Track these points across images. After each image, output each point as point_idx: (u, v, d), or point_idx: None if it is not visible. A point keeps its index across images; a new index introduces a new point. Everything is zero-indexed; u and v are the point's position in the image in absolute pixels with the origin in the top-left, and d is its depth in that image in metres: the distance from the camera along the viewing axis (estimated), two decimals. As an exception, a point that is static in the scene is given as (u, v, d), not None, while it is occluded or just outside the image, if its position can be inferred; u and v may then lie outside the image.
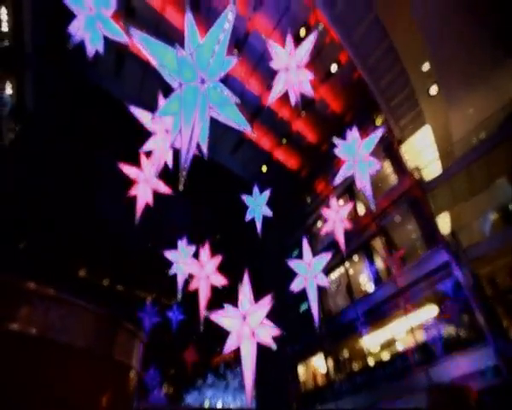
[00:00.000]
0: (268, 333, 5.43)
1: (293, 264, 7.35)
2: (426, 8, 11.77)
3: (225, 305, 5.22)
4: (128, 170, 5.14)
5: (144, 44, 2.96)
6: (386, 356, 16.12)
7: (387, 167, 18.06)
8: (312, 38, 4.93)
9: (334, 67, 18.24)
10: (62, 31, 4.50)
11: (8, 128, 10.48)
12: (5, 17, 9.68)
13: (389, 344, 16.34)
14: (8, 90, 10.52)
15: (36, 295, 4.01)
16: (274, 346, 5.42)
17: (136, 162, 5.07)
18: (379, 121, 18.66)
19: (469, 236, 14.37)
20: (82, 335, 4.46)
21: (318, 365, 20.66)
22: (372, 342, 16.97)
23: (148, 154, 4.75)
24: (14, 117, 11.06)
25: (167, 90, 3.25)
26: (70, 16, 3.63)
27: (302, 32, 15.47)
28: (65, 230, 17.41)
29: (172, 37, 3.23)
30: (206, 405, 22.15)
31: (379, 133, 6.47)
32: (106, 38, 3.65)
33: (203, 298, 6.60)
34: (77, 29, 3.54)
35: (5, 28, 9.77)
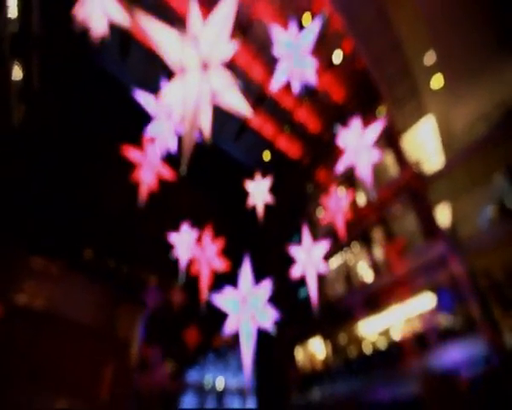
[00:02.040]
0: (267, 316, 5.53)
1: (293, 250, 7.41)
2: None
3: (226, 287, 5.31)
4: (132, 154, 5.16)
5: (148, 28, 2.93)
6: (382, 343, 16.35)
7: (389, 158, 17.93)
8: (316, 24, 4.84)
9: (337, 56, 17.91)
10: (69, 15, 4.46)
11: (18, 110, 10.48)
12: (14, 2, 9.57)
13: (385, 332, 16.55)
14: (17, 71, 10.47)
15: (42, 270, 4.12)
16: (273, 329, 5.52)
17: (140, 146, 5.07)
18: (381, 111, 18.43)
19: (468, 228, 14.37)
20: (85, 311, 4.60)
21: (316, 349, 21.01)
22: (369, 329, 17.20)
23: (152, 138, 4.75)
24: (22, 98, 11.05)
25: (171, 76, 3.23)
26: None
27: (306, 19, 15.14)
28: (71, 211, 17.60)
29: (176, 21, 3.20)
30: (207, 383, 22.73)
31: (381, 123, 6.42)
32: (111, 23, 3.61)
33: (204, 281, 6.71)
34: (82, 12, 3.51)
35: (13, 14, 9.67)
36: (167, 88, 3.20)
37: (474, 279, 12.65)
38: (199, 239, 6.95)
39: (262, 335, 5.54)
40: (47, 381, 4.04)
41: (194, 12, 2.97)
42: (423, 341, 13.28)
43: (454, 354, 11.96)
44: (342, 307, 18.21)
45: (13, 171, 10.89)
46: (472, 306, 11.97)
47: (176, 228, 7.00)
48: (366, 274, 18.38)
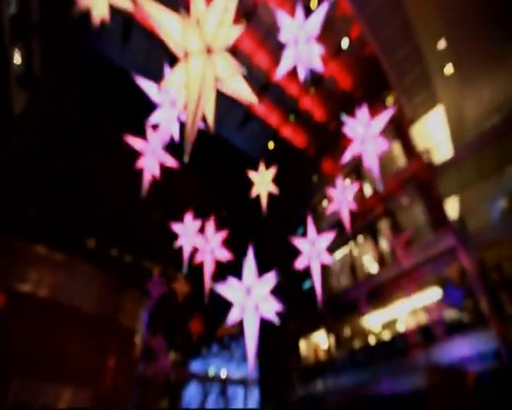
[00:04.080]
0: (271, 308, 5.57)
1: (298, 241, 7.41)
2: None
3: (229, 278, 5.35)
4: (134, 142, 5.16)
5: (150, 12, 2.90)
6: (386, 335, 16.45)
7: (396, 148, 17.73)
8: (324, 8, 4.74)
9: (344, 42, 17.61)
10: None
11: (18, 96, 10.48)
12: None
13: (390, 324, 16.63)
14: (17, 57, 10.44)
15: (46, 259, 4.18)
16: (277, 320, 5.56)
17: (142, 134, 5.08)
18: (390, 100, 18.15)
19: (477, 221, 14.24)
20: (89, 298, 4.67)
21: (320, 341, 21.23)
22: (374, 321, 17.30)
23: (155, 126, 4.75)
24: (23, 85, 11.04)
25: (174, 61, 3.21)
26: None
27: (313, 3, 14.87)
28: (74, 200, 17.76)
29: (178, 5, 3.15)
30: (211, 373, 23.16)
31: (389, 113, 6.33)
32: (112, 8, 3.57)
33: (208, 271, 6.76)
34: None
35: None
36: (170, 74, 3.17)
37: (483, 273, 12.58)
38: (202, 229, 6.99)
39: (266, 326, 5.60)
40: (51, 370, 4.14)
41: (197, -6, 2.92)
42: (429, 334, 13.32)
43: (461, 349, 11.98)
44: (347, 299, 18.29)
45: (15, 159, 10.97)
46: (481, 299, 11.93)
47: (179, 218, 7.05)
48: (371, 266, 18.39)
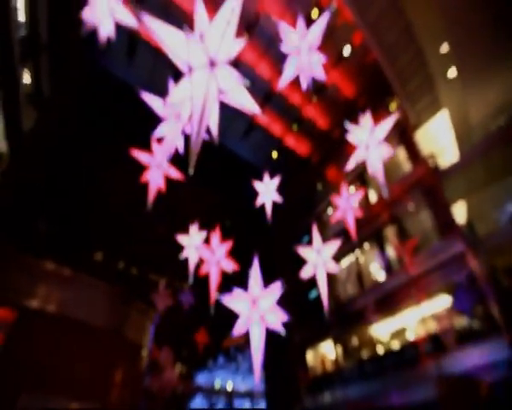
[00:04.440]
0: (277, 318, 5.52)
1: (303, 250, 7.38)
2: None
3: (235, 289, 5.33)
4: (140, 155, 5.23)
5: (154, 29, 2.97)
6: (396, 345, 16.17)
7: (401, 154, 17.69)
8: (325, 18, 4.81)
9: (346, 50, 17.78)
10: (76, 19, 4.55)
11: (28, 115, 10.78)
12: (22, 6, 9.82)
13: (399, 333, 16.36)
14: (26, 77, 10.78)
15: (54, 274, 4.21)
16: (283, 331, 5.50)
17: (148, 148, 5.15)
18: (393, 106, 18.20)
19: (486, 225, 14.06)
20: (96, 313, 4.67)
21: (327, 351, 20.93)
22: (382, 330, 17.03)
23: (160, 139, 4.81)
24: (33, 104, 11.36)
25: (178, 76, 3.27)
26: (83, 3, 3.66)
27: (314, 13, 15.08)
28: (81, 214, 18.09)
29: (182, 20, 3.23)
30: (217, 386, 22.90)
31: (393, 118, 6.34)
32: (117, 25, 3.68)
33: (213, 282, 6.75)
34: (89, 15, 3.58)
35: (22, 18, 9.94)
36: (175, 88, 3.23)
37: (494, 278, 12.36)
38: (208, 240, 7.00)
39: (272, 337, 5.55)
40: (59, 385, 4.16)
41: (200, 10, 3.00)
42: (439, 343, 13.07)
43: (473, 357, 11.71)
44: (354, 308, 18.07)
45: (23, 174, 11.18)
46: (492, 306, 11.70)
47: (184, 229, 7.08)
48: (379, 274, 18.20)
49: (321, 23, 4.88)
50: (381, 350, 16.62)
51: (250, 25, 16.28)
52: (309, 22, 5.03)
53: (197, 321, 16.16)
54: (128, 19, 3.56)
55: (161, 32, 2.94)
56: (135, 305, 5.03)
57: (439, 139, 17.37)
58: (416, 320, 15.18)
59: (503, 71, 13.44)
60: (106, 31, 3.67)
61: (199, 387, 22.10)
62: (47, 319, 3.74)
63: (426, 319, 14.48)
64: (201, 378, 22.46)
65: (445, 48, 13.93)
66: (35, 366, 3.68)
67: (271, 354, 15.97)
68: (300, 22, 4.95)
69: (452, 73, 14.56)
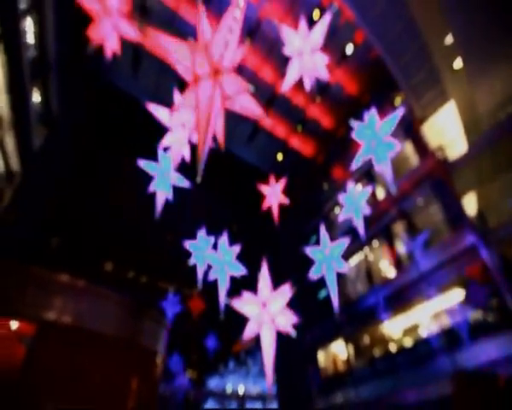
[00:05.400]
0: (287, 320, 5.57)
1: (310, 251, 7.41)
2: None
3: (244, 293, 5.37)
4: (147, 166, 5.32)
5: (159, 43, 3.04)
6: (408, 342, 16.08)
7: (408, 148, 17.60)
8: (326, 19, 4.86)
9: (349, 48, 17.76)
10: (82, 37, 4.64)
11: (38, 133, 11.09)
12: (31, 29, 10.14)
13: (412, 330, 16.26)
14: (36, 96, 11.13)
15: (68, 286, 4.32)
16: (293, 333, 5.55)
17: (155, 158, 5.23)
18: (398, 101, 18.10)
19: (498, 216, 13.89)
20: (111, 323, 4.78)
21: (338, 351, 20.89)
22: (394, 327, 16.95)
23: (166, 149, 4.89)
24: (42, 122, 11.71)
25: (182, 86, 3.33)
26: (89, 22, 3.75)
27: (316, 14, 15.09)
28: (91, 227, 18.60)
29: (186, 31, 3.30)
30: (228, 390, 23.01)
31: (399, 113, 6.34)
32: (123, 40, 3.77)
33: (222, 287, 6.81)
34: (95, 32, 3.67)
35: (31, 40, 10.25)
36: (180, 98, 3.31)
37: (508, 269, 12.23)
38: (215, 245, 7.06)
39: (282, 339, 5.59)
40: (76, 394, 4.26)
41: (203, 21, 3.06)
42: (454, 337, 12.97)
43: (489, 351, 11.60)
44: (364, 306, 18.01)
45: (37, 188, 11.47)
46: (507, 298, 11.59)
47: (192, 235, 7.15)
48: (389, 271, 18.12)
49: (323, 24, 4.93)
50: (393, 348, 16.55)
51: (252, 30, 16.39)
52: (310, 24, 5.08)
53: (207, 326, 16.29)
54: (132, 33, 3.64)
55: (166, 44, 3.01)
56: (147, 313, 5.12)
57: (447, 131, 17.22)
58: (428, 316, 15.08)
59: (509, 59, 13.29)
60: (111, 46, 3.76)
61: (210, 391, 22.23)
62: (64, 331, 3.84)
63: (439, 315, 14.38)
64: (213, 383, 22.59)
65: (449, 39, 13.83)
66: (55, 377, 3.78)
67: (282, 355, 16.04)
68: (302, 24, 5.00)
69: (458, 63, 14.44)
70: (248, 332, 5.40)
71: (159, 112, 4.07)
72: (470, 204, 15.51)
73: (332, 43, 15.57)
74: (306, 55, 5.01)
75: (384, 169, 6.65)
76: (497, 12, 11.84)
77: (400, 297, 16.08)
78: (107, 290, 4.69)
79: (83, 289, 4.25)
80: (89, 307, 4.16)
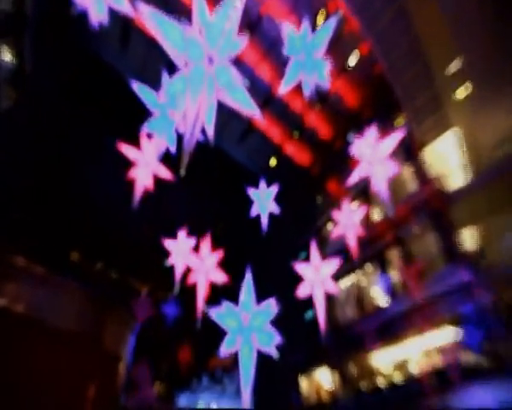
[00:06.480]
0: (269, 339, 5.43)
1: (300, 267, 7.36)
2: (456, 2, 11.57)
3: (224, 302, 5.23)
4: (128, 151, 5.20)
5: (151, 20, 3.02)
6: (398, 377, 15.94)
7: (407, 172, 17.78)
8: (332, 24, 4.92)
9: (352, 59, 18.04)
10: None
11: (6, 95, 10.68)
12: None
13: (402, 365, 16.13)
14: (6, 54, 10.62)
15: (25, 271, 4.13)
16: (275, 354, 5.42)
17: (136, 142, 5.11)
18: (399, 122, 18.33)
19: (496, 255, 14.00)
20: (70, 318, 4.57)
21: (323, 379, 20.59)
22: (383, 360, 16.80)
23: (150, 135, 4.81)
24: (13, 83, 11.20)
25: (172, 69, 3.30)
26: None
27: (320, 18, 15.30)
28: (58, 209, 17.35)
29: (180, 13, 3.28)
30: (200, 408, 22.31)
31: (400, 134, 6.42)
32: (111, 10, 3.73)
33: (201, 294, 6.67)
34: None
35: None
36: (169, 82, 3.27)
37: (504, 312, 12.25)
38: (197, 247, 6.94)
39: (263, 359, 5.44)
40: (24, 397, 4.00)
41: (199, 3, 3.05)
42: (445, 378, 12.88)
43: (480, 396, 11.54)
44: (353, 333, 17.86)
45: None
46: (501, 343, 11.59)
47: (172, 233, 7.00)
48: (380, 299, 18.07)
49: (327, 28, 4.99)
50: (382, 382, 16.37)
51: (252, 24, 16.48)
52: (314, 27, 5.14)
53: (181, 335, 15.75)
54: (123, 5, 3.61)
55: (158, 23, 2.98)
56: (114, 312, 4.89)
57: (447, 160, 17.49)
58: (419, 352, 14.99)
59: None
60: (98, 14, 3.72)
61: (180, 409, 21.56)
62: (13, 321, 3.60)
63: (430, 352, 14.30)
64: (183, 400, 21.91)
65: (453, 67, 14.20)
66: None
67: (261, 377, 15.67)
68: (305, 25, 5.05)
69: (461, 93, 14.80)
70: (225, 348, 5.24)
71: (144, 93, 4.00)
72: (470, 238, 15.64)
73: (335, 52, 15.75)
74: (307, 58, 5.05)
75: (381, 190, 6.67)
76: (507, 44, 12.22)
77: (391, 328, 15.99)
78: (69, 281, 4.47)
79: (41, 277, 4.04)
80: (45, 298, 3.94)
